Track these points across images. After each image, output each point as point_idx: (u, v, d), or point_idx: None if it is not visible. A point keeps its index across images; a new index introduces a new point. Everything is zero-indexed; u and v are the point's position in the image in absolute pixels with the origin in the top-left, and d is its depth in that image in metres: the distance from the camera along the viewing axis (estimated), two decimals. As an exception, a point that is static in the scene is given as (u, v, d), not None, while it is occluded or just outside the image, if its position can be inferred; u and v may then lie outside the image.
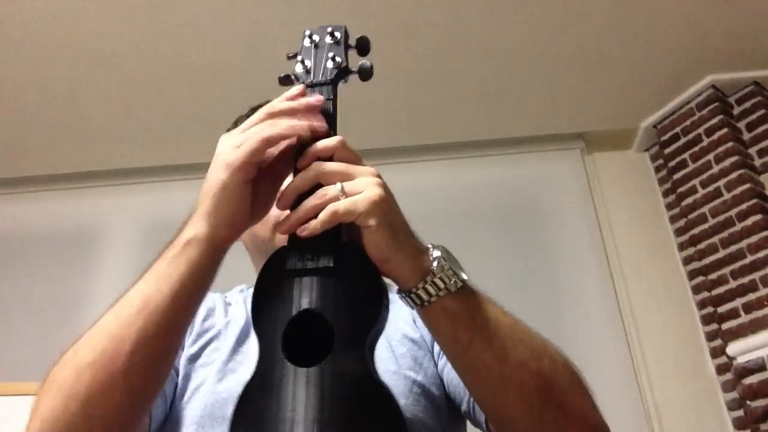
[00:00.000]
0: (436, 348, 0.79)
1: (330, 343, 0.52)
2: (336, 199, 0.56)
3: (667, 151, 2.68)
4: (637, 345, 2.44)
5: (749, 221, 2.35)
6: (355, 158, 0.61)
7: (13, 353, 2.43)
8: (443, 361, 0.77)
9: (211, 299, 0.89)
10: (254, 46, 2.30)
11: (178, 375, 0.77)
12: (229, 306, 0.89)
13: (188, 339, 0.81)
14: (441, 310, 0.58)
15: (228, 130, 0.90)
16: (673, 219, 2.69)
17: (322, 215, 0.56)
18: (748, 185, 2.39)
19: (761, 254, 2.28)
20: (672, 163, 2.66)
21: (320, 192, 0.57)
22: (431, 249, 0.59)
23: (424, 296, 0.57)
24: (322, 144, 0.60)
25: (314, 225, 0.56)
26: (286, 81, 0.69)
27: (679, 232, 2.65)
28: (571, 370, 0.62)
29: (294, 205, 0.58)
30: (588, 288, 2.53)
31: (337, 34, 0.71)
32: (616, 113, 2.73)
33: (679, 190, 2.60)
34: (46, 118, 2.54)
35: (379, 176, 0.59)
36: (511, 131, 2.76)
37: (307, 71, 0.69)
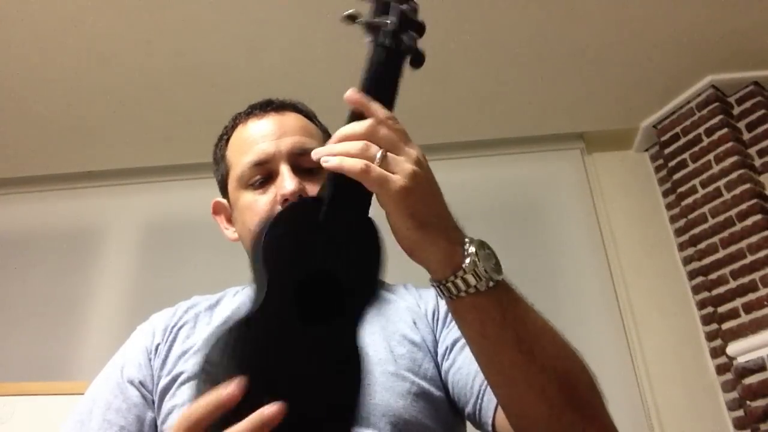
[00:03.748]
0: (440, 350, 0.79)
1: (334, 308, 0.57)
2: (371, 160, 0.55)
3: (667, 151, 2.68)
4: (637, 345, 2.44)
5: (749, 221, 2.35)
6: (404, 137, 0.59)
7: (13, 353, 2.43)
8: (449, 363, 0.77)
9: (193, 313, 0.87)
10: (254, 46, 2.30)
11: (154, 404, 0.78)
12: (215, 308, 0.87)
13: (162, 363, 0.80)
14: (470, 306, 0.57)
15: (225, 128, 0.91)
16: (673, 219, 2.69)
17: (352, 161, 0.54)
18: (748, 185, 2.39)
19: (761, 254, 2.28)
20: (672, 163, 2.66)
21: (363, 145, 0.56)
22: (467, 244, 0.58)
23: (453, 290, 0.57)
24: (382, 111, 0.59)
25: (339, 162, 0.55)
26: (351, 20, 0.65)
27: (679, 232, 2.64)
28: (590, 375, 0.63)
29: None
30: (588, 288, 2.53)
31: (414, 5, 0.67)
32: (616, 113, 2.73)
33: (679, 190, 2.60)
34: (46, 118, 2.54)
35: (421, 162, 0.57)
36: (511, 131, 2.76)
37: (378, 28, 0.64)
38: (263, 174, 0.81)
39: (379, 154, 0.55)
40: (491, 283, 0.56)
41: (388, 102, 0.61)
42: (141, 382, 0.79)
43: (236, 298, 0.89)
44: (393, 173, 0.55)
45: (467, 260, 0.56)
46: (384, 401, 0.72)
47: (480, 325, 0.58)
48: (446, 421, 0.75)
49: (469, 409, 0.73)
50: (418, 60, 0.66)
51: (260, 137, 0.83)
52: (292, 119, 0.85)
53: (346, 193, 0.57)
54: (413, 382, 0.74)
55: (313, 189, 0.77)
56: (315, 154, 0.57)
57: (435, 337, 0.81)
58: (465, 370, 0.74)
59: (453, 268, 0.56)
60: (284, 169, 0.78)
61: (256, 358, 0.54)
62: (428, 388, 0.75)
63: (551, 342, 0.61)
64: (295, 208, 0.62)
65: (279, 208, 0.77)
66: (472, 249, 0.57)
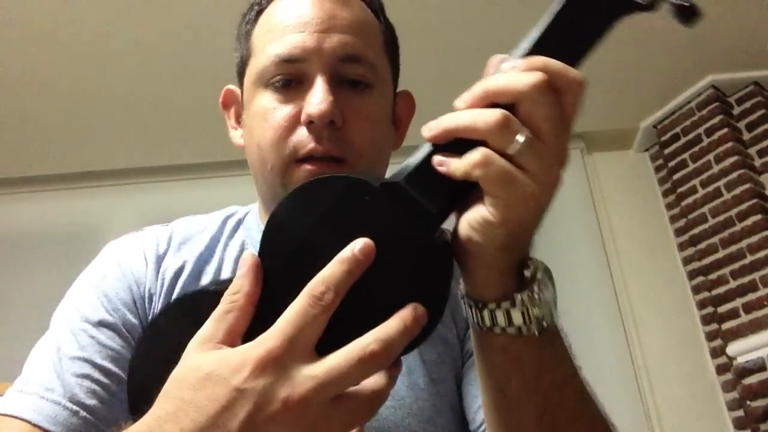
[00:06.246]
0: (467, 346, 0.64)
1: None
2: (505, 145, 0.37)
3: (667, 151, 2.68)
4: (637, 345, 2.44)
5: (749, 221, 2.35)
6: (574, 115, 0.40)
7: (13, 353, 2.43)
8: (463, 370, 0.63)
9: (180, 259, 0.65)
10: (254, 46, 2.30)
11: None
12: (209, 261, 0.66)
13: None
14: (500, 348, 0.43)
15: (245, 16, 0.67)
16: (673, 219, 2.69)
17: (471, 159, 0.38)
18: (748, 185, 2.39)
19: (761, 254, 2.28)
20: (672, 163, 2.66)
21: (500, 116, 0.37)
22: (530, 267, 0.43)
23: (488, 321, 0.42)
24: (566, 69, 0.40)
25: (455, 167, 0.39)
26: None
27: (679, 232, 2.64)
28: None
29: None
30: (588, 288, 2.53)
31: None
32: (616, 113, 2.72)
33: (679, 190, 2.60)
34: (46, 118, 2.54)
35: (565, 161, 0.40)
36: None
37: None
38: (292, 75, 0.59)
39: (522, 138, 0.37)
40: (535, 331, 0.42)
41: (574, 60, 0.42)
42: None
43: (237, 241, 0.67)
44: (527, 170, 0.38)
45: (523, 293, 0.41)
46: (406, 426, 0.57)
47: (504, 376, 0.44)
48: None
49: (470, 428, 0.62)
50: (684, 14, 0.45)
51: (299, 24, 0.59)
52: (348, 7, 0.62)
53: (431, 180, 0.40)
54: (442, 398, 0.61)
55: (351, 113, 0.58)
56: (426, 131, 0.40)
57: (467, 324, 0.63)
58: (474, 391, 0.60)
59: (502, 291, 0.42)
60: (319, 81, 0.57)
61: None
62: (455, 404, 0.61)
63: (581, 420, 0.47)
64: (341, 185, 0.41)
65: (303, 130, 0.57)
66: (536, 276, 0.42)
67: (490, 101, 0.39)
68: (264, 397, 0.35)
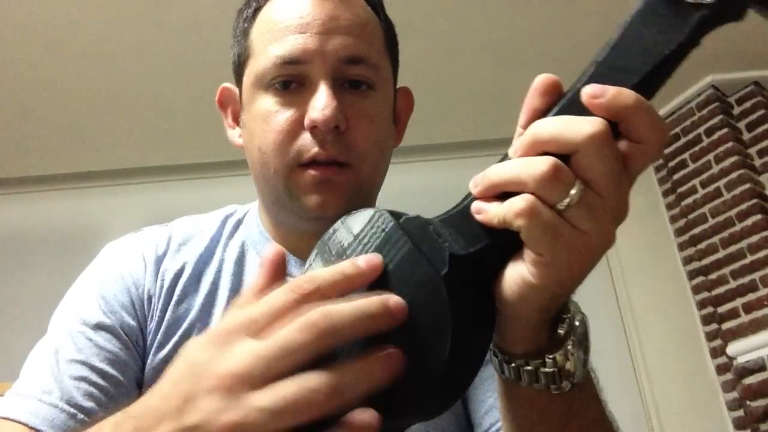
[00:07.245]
0: None
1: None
2: (553, 200, 0.33)
3: (667, 151, 2.68)
4: (637, 345, 2.44)
5: (749, 221, 2.35)
6: (643, 169, 0.36)
7: (13, 353, 2.43)
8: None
9: (180, 260, 0.64)
10: (254, 46, 2.30)
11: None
12: (208, 262, 0.64)
13: (152, 336, 0.60)
14: (527, 400, 0.41)
15: (242, 12, 0.65)
16: (673, 219, 2.69)
17: (513, 207, 0.34)
18: (748, 185, 2.39)
19: (761, 254, 2.29)
20: (672, 163, 2.66)
21: (547, 168, 0.33)
22: (566, 323, 0.40)
23: (513, 375, 0.40)
24: (649, 118, 0.33)
25: (494, 214, 0.35)
26: None
27: (679, 232, 2.65)
28: None
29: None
30: (588, 288, 2.52)
31: None
32: (616, 113, 2.73)
33: (679, 190, 2.60)
34: (46, 118, 2.54)
35: (624, 213, 0.37)
36: (511, 132, 2.73)
37: None
38: (293, 76, 0.58)
39: (575, 191, 0.33)
40: (567, 387, 0.39)
41: (649, 88, 0.35)
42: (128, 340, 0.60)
43: (237, 243, 0.66)
44: (577, 227, 0.34)
45: (556, 353, 0.38)
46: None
47: (529, 425, 0.43)
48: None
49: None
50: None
51: (300, 24, 0.58)
52: (350, 7, 0.60)
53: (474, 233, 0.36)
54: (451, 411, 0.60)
55: (355, 116, 0.57)
56: (473, 185, 0.37)
57: None
58: (480, 395, 0.60)
59: (532, 347, 0.38)
60: (323, 85, 0.56)
61: None
62: (456, 407, 0.61)
63: None
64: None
65: (306, 135, 0.56)
66: (572, 331, 0.39)
67: (540, 150, 0.35)
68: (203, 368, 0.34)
